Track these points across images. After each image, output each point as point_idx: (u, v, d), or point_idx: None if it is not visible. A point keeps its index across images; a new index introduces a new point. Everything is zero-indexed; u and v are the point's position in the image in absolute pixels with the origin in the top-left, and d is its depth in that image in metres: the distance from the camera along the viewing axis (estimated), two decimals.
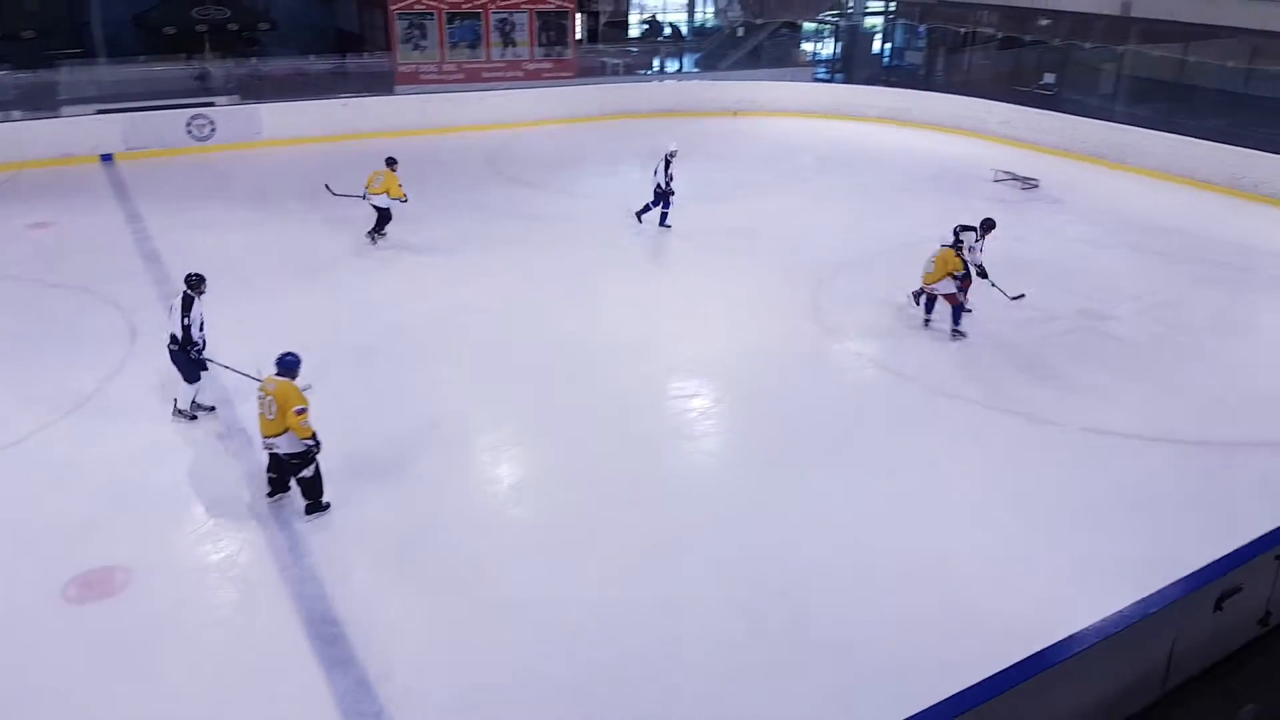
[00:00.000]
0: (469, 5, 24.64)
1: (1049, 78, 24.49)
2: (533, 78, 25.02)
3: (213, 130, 19.82)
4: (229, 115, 20.25)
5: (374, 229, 14.34)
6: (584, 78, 25.34)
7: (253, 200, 16.45)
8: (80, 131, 18.87)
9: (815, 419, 9.57)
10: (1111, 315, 12.29)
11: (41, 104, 19.80)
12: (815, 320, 12.06)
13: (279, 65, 23.91)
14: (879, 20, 30.97)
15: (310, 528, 7.61)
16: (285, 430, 7.34)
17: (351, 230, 14.75)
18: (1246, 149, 18.10)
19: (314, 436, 7.41)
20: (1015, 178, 18.48)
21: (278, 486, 7.88)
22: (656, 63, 28.26)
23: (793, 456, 8.86)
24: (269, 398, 7.35)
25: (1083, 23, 23.56)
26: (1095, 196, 18.03)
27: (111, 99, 20.38)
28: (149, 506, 7.91)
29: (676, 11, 33.81)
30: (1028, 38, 25.48)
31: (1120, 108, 22.74)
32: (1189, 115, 21.33)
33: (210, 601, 6.90)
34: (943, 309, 11.61)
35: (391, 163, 14.13)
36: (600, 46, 28.13)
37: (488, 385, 10.18)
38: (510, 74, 24.93)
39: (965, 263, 11.26)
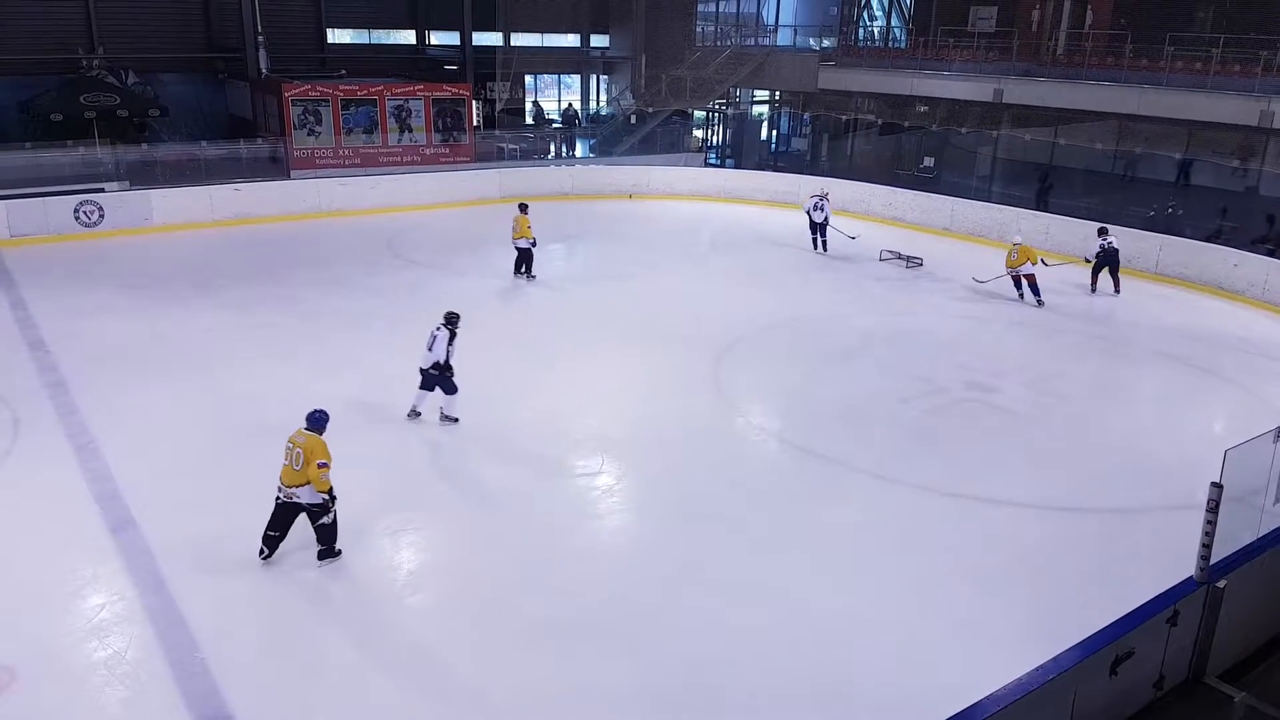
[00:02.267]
0: (364, 93, 25.05)
1: (928, 161, 26.10)
2: (430, 162, 25.44)
3: (101, 216, 19.49)
4: (118, 201, 19.96)
5: (525, 270, 16.86)
6: (482, 163, 25.88)
7: (142, 286, 16.19)
8: None
9: (718, 493, 9.82)
10: (997, 387, 12.80)
11: None
12: (715, 394, 12.45)
13: (170, 151, 23.72)
14: (765, 109, 32.64)
15: (203, 620, 7.48)
16: (307, 482, 7.81)
17: (243, 315, 14.64)
18: (1119, 226, 18.81)
19: (330, 491, 7.91)
20: (900, 256, 19.32)
21: (273, 545, 8.13)
22: (553, 148, 29.07)
23: (696, 532, 9.04)
24: (297, 449, 7.85)
25: (958, 109, 25.20)
26: (977, 273, 18.54)
27: None
28: (32, 601, 7.66)
29: (570, 99, 35.08)
30: (906, 124, 27.08)
31: (997, 188, 24.22)
32: (1061, 195, 22.75)
33: (97, 700, 6.70)
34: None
35: (524, 208, 16.79)
36: (497, 132, 28.84)
37: (383, 469, 10.10)
38: (407, 159, 25.31)
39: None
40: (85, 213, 19.35)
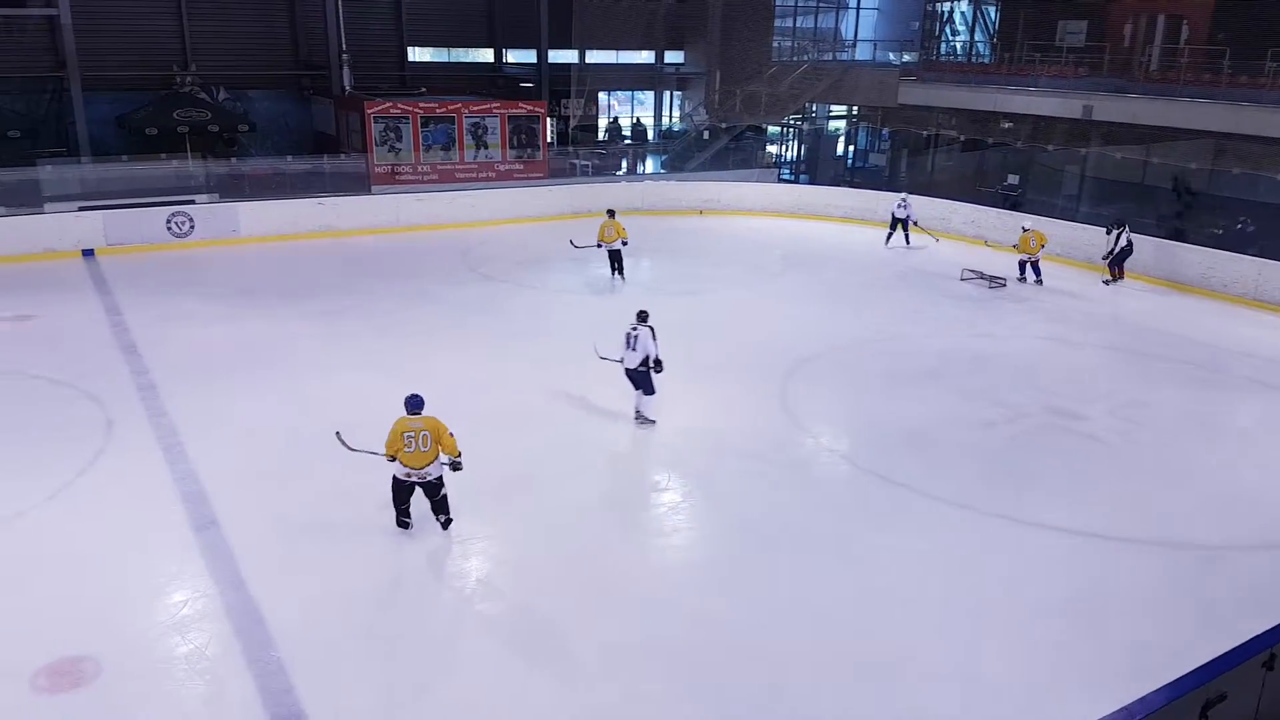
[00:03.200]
0: (443, 110, 25.58)
1: (1013, 179, 25.49)
2: (504, 178, 25.84)
3: (191, 227, 20.22)
4: (208, 213, 20.68)
5: (616, 270, 17.91)
6: (554, 178, 26.19)
7: (229, 295, 16.74)
8: (63, 228, 19.21)
9: (785, 514, 9.65)
10: (1082, 414, 12.29)
11: (26, 201, 20.14)
12: (784, 413, 12.27)
13: (257, 165, 24.56)
14: (842, 124, 32.38)
15: (281, 618, 7.65)
16: (434, 459, 8.52)
17: (325, 324, 15.02)
18: (1213, 249, 18.33)
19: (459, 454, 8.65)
20: (982, 276, 18.89)
21: (408, 518, 8.93)
22: (625, 164, 29.27)
23: (761, 554, 8.90)
24: (422, 433, 8.50)
25: (1044, 126, 24.50)
26: (1062, 295, 18.26)
27: (94, 196, 20.80)
28: (117, 596, 7.93)
29: (642, 116, 35.32)
30: (990, 140, 26.53)
31: (1085, 208, 23.48)
32: (1153, 216, 21.94)
33: (178, 694, 6.89)
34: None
35: (612, 213, 17.96)
36: (570, 149, 29.17)
37: (455, 480, 10.19)
38: (482, 175, 25.75)
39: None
40: (177, 223, 20.10)
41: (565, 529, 9.29)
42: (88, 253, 19.11)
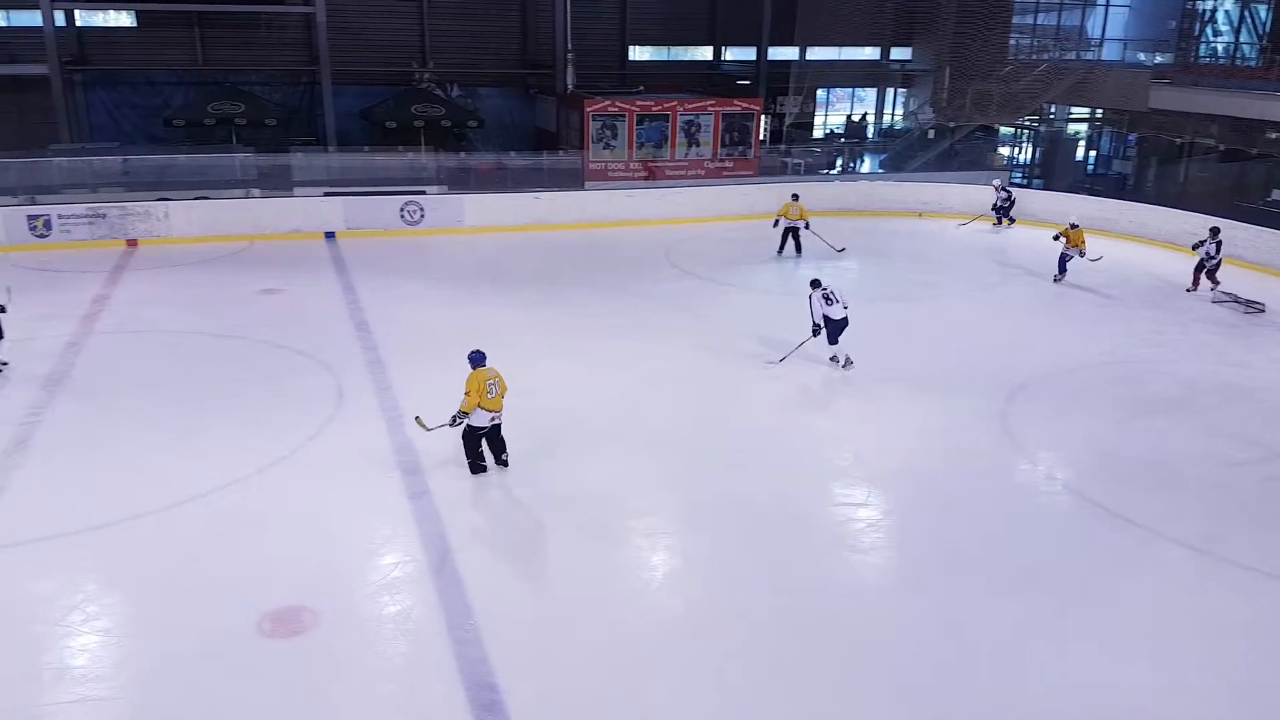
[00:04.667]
0: (658, 108, 25.90)
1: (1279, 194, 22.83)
2: (714, 175, 25.84)
3: (422, 215, 21.48)
4: (437, 203, 21.92)
5: (794, 245, 19.55)
6: (765, 176, 25.88)
7: (451, 280, 17.65)
8: (309, 211, 20.96)
9: (993, 544, 8.99)
10: None
11: (278, 184, 22.17)
12: (1002, 435, 11.45)
13: (483, 159, 25.83)
14: (1083, 127, 30.12)
15: (481, 592, 7.89)
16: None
17: (532, 313, 15.50)
18: None
19: None
20: (1237, 300, 16.99)
21: (484, 461, 9.82)
22: (840, 162, 28.53)
23: (962, 584, 8.31)
24: (497, 379, 9.56)
25: None
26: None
27: (337, 183, 22.60)
28: (338, 553, 8.48)
29: (862, 113, 34.30)
30: (1254, 151, 23.92)
31: None
32: None
33: (385, 652, 7.26)
34: None
35: (796, 197, 19.66)
36: (783, 146, 28.77)
37: (648, 470, 10.32)
38: (692, 172, 25.86)
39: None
40: (409, 212, 21.43)
41: (757, 533, 9.05)
42: (329, 235, 20.74)
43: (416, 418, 9.88)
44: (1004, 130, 29.84)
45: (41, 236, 19.11)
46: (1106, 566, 8.64)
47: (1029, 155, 30.03)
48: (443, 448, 10.41)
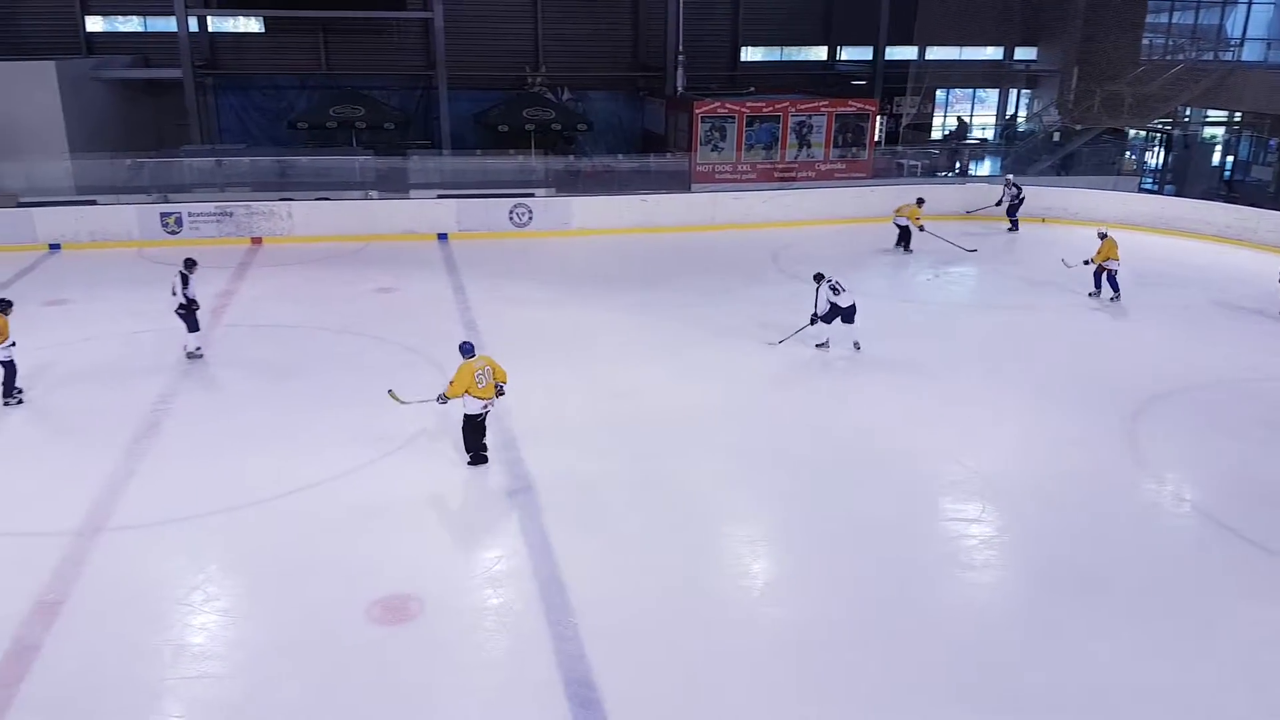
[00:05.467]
0: (769, 109, 25.59)
1: None
2: (824, 178, 25.38)
3: (530, 217, 21.76)
4: (545, 205, 22.17)
5: (903, 244, 19.67)
6: (878, 179, 25.28)
7: (557, 282, 17.80)
8: (422, 212, 21.49)
9: (1118, 566, 8.46)
10: None
11: (394, 186, 22.83)
12: (1128, 453, 10.82)
13: (590, 162, 26.03)
14: (1220, 131, 28.43)
15: (582, 590, 7.87)
16: (495, 391, 9.69)
17: (634, 315, 15.46)
18: None
19: None
20: None
21: (486, 450, 10.04)
22: (958, 165, 27.66)
23: (1083, 608, 7.84)
24: (486, 368, 9.69)
25: None
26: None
27: (450, 185, 23.11)
28: (443, 546, 8.62)
29: (986, 114, 33.21)
30: None
31: None
32: None
33: (485, 644, 7.31)
34: None
35: (920, 202, 19.79)
36: (899, 148, 28.06)
37: (749, 474, 10.15)
38: (802, 174, 25.46)
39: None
40: (517, 214, 21.74)
41: (862, 545, 8.78)
42: (441, 236, 21.21)
43: (389, 391, 10.20)
44: (1134, 134, 28.38)
45: (173, 233, 20.13)
46: (1236, 594, 8.07)
47: (1160, 160, 28.46)
48: (542, 441, 10.47)
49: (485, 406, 9.75)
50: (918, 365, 13.52)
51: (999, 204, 22.20)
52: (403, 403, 10.15)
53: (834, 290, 13.36)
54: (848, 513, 9.33)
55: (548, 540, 8.59)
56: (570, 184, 24.11)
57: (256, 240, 20.46)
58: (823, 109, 25.73)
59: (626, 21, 31.06)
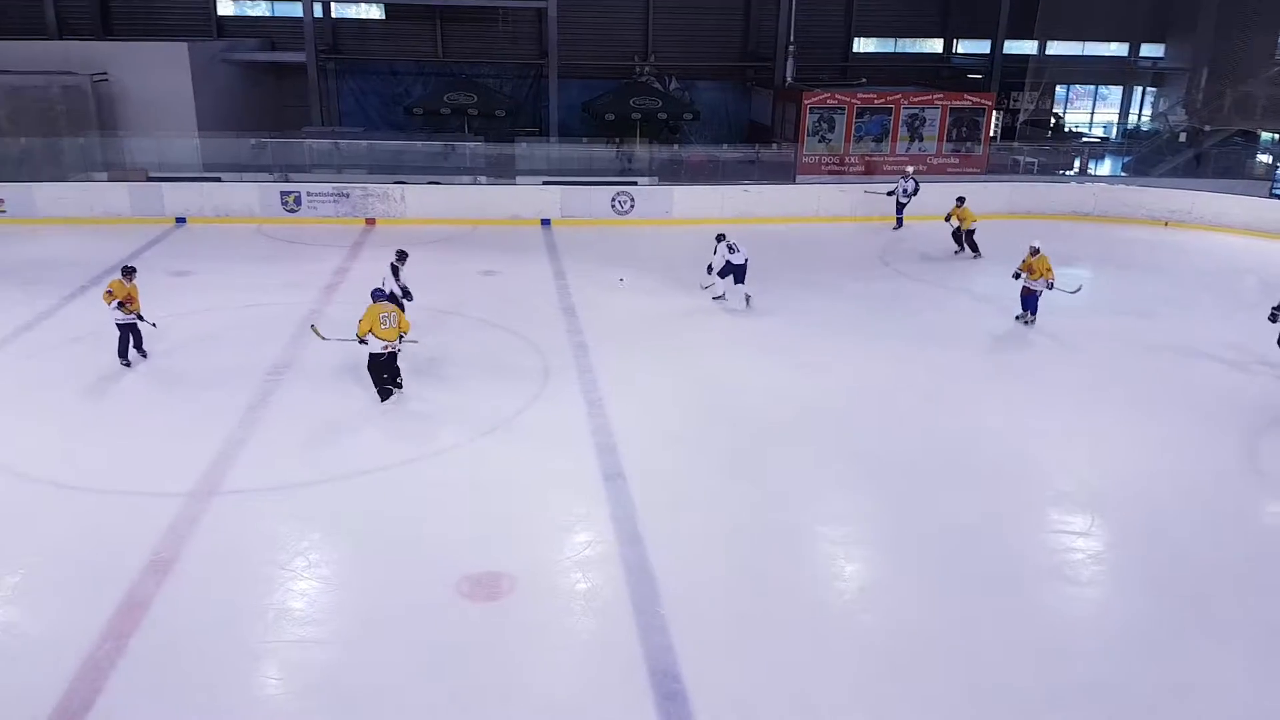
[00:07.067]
0: (881, 101, 24.98)
1: None
2: (936, 172, 24.65)
3: (632, 206, 21.81)
4: (647, 194, 22.16)
5: (969, 247, 18.69)
6: (993, 175, 24.42)
7: (655, 270, 17.77)
8: (528, 198, 21.77)
9: (1236, 593, 8.00)
10: None
11: (502, 172, 23.19)
12: (1256, 475, 10.21)
13: (695, 152, 25.90)
14: None
15: (671, 580, 7.85)
16: (399, 336, 10.82)
17: (740, 309, 15.33)
18: None
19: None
20: None
21: (390, 387, 11.12)
22: (1077, 163, 26.50)
23: (1196, 628, 7.46)
24: (392, 314, 10.85)
25: None
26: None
27: (555, 172, 23.34)
28: (536, 526, 8.71)
29: (1108, 113, 31.78)
30: None
31: None
32: None
33: (573, 628, 7.36)
34: None
35: (961, 200, 18.58)
36: (1015, 144, 27.06)
37: (850, 474, 9.96)
38: (913, 167, 24.72)
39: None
40: (619, 202, 21.81)
41: (960, 553, 8.51)
42: (545, 222, 21.45)
43: (312, 326, 11.51)
44: (1266, 136, 26.69)
45: (292, 211, 20.90)
46: None
47: None
48: (635, 427, 10.50)
49: (386, 347, 10.85)
50: (1025, 372, 13.04)
51: (890, 194, 21.10)
52: (324, 338, 11.36)
53: (730, 250, 14.87)
54: (949, 519, 9.05)
55: (638, 529, 8.60)
56: (673, 173, 24.06)
57: (370, 221, 21.08)
58: (936, 102, 24.98)
59: (738, 11, 30.78)
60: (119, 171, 21.64)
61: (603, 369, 12.49)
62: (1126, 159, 27.53)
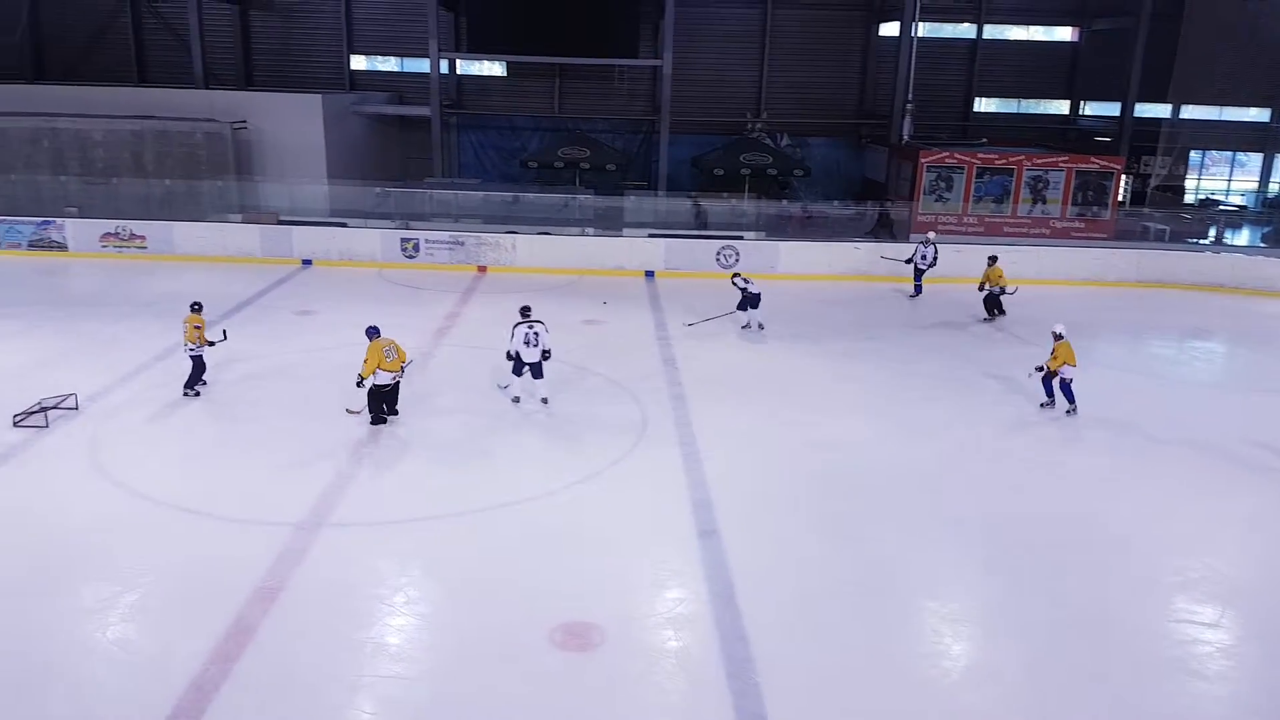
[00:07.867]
0: (1002, 161, 24.40)
1: None
2: (1059, 236, 23.83)
3: (737, 259, 21.77)
4: (753, 248, 22.12)
5: (997, 311, 18.23)
6: (1120, 241, 23.47)
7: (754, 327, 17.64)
8: (634, 250, 22.02)
9: None
10: None
11: (610, 224, 23.56)
12: None
13: (803, 208, 25.73)
14: None
15: (764, 643, 7.63)
16: (401, 366, 11.52)
17: (837, 363, 15.02)
18: None
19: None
20: None
21: (385, 416, 11.74)
22: (1212, 232, 25.23)
23: None
24: (392, 346, 11.50)
25: None
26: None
27: (662, 226, 23.57)
28: (629, 579, 8.61)
29: (1246, 180, 30.30)
30: None
31: None
32: None
33: (664, 686, 7.20)
34: None
35: (993, 260, 18.39)
36: (1145, 210, 25.96)
37: (953, 544, 9.56)
38: (1035, 231, 24.02)
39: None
40: (724, 255, 21.82)
41: (1073, 639, 8.00)
42: (649, 273, 21.62)
43: (348, 409, 11.90)
44: None
45: (410, 257, 21.68)
46: None
47: None
48: (731, 483, 10.33)
49: (393, 378, 11.54)
50: (1150, 446, 12.30)
51: (908, 261, 20.10)
52: (355, 412, 11.85)
53: (746, 282, 16.84)
54: (1060, 600, 8.55)
55: (732, 589, 8.41)
56: (780, 228, 23.96)
57: (482, 269, 21.66)
58: (1061, 164, 24.24)
59: (854, 68, 30.75)
60: (252, 214, 22.91)
61: (699, 421, 12.39)
62: (1266, 229, 26.06)
